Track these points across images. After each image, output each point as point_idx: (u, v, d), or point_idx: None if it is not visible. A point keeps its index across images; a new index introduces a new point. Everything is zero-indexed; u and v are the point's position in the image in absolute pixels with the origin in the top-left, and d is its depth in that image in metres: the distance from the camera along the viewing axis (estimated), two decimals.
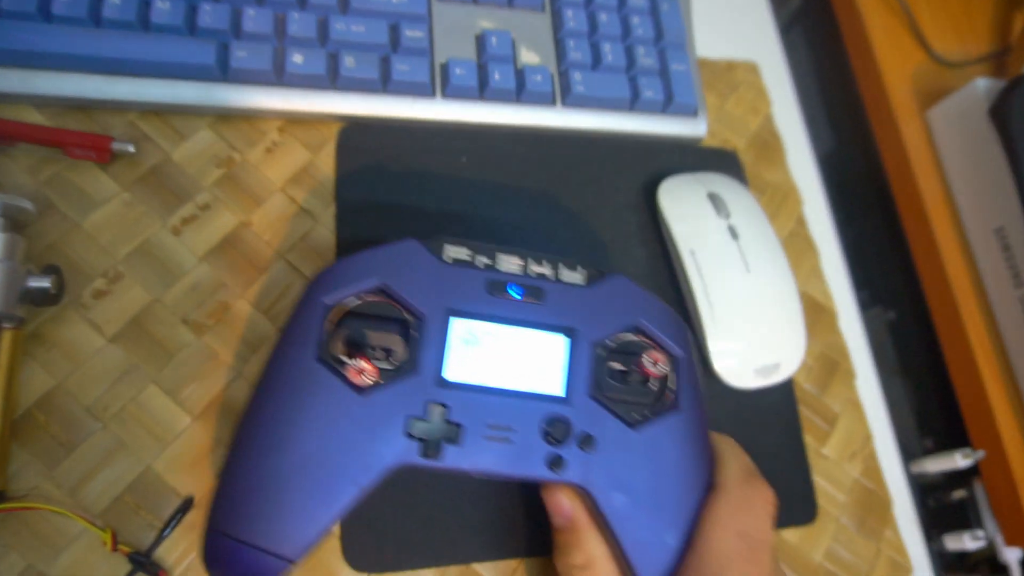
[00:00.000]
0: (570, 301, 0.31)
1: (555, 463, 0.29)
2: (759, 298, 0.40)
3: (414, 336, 0.29)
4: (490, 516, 0.35)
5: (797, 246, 0.47)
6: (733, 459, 0.31)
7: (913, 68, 0.57)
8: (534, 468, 0.29)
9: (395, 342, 0.30)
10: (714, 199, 0.42)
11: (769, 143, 0.50)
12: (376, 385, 0.28)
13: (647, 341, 0.32)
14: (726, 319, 0.39)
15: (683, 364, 0.32)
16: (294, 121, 0.40)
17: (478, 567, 0.35)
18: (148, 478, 0.32)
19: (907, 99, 0.55)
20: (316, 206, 0.39)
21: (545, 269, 0.31)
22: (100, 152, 0.36)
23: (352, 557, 0.33)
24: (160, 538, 0.31)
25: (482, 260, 0.31)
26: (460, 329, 0.30)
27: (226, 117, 0.39)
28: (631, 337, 0.32)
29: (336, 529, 0.33)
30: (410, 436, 0.28)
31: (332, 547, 0.33)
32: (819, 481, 0.41)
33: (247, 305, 0.36)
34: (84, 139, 0.36)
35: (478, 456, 0.28)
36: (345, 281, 0.29)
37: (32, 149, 0.36)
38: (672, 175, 0.44)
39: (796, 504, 0.40)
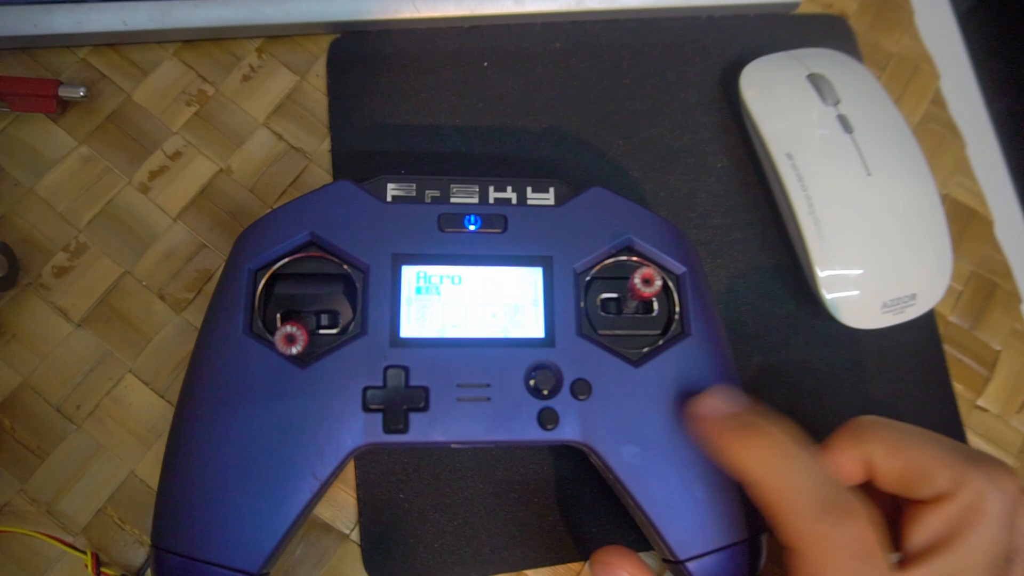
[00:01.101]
0: (540, 225, 0.26)
1: (548, 419, 0.24)
2: (884, 209, 0.30)
3: (359, 291, 0.25)
4: (541, 514, 0.28)
5: (933, 134, 0.36)
6: (987, 532, 0.21)
7: None
8: (522, 429, 0.24)
9: (338, 302, 0.25)
10: (817, 82, 0.32)
11: (889, 1, 0.38)
12: (320, 355, 0.24)
13: (641, 260, 0.26)
14: (840, 240, 0.30)
15: (687, 281, 0.26)
16: (274, 38, 0.33)
17: (531, 574, 0.28)
18: (132, 486, 0.27)
19: None
20: (308, 141, 0.32)
21: (507, 193, 0.26)
22: (46, 100, 0.30)
23: (375, 569, 0.27)
24: (148, 561, 0.27)
25: (431, 193, 0.26)
26: (412, 276, 0.25)
27: (193, 42, 0.32)
28: (621, 258, 0.26)
29: (355, 535, 0.28)
30: (369, 410, 0.23)
31: (353, 556, 0.27)
32: (975, 441, 0.32)
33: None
34: (25, 85, 0.30)
35: (451, 423, 0.23)
36: (270, 239, 0.24)
37: None
38: (759, 57, 0.34)
39: None
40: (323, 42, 0.33)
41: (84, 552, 0.26)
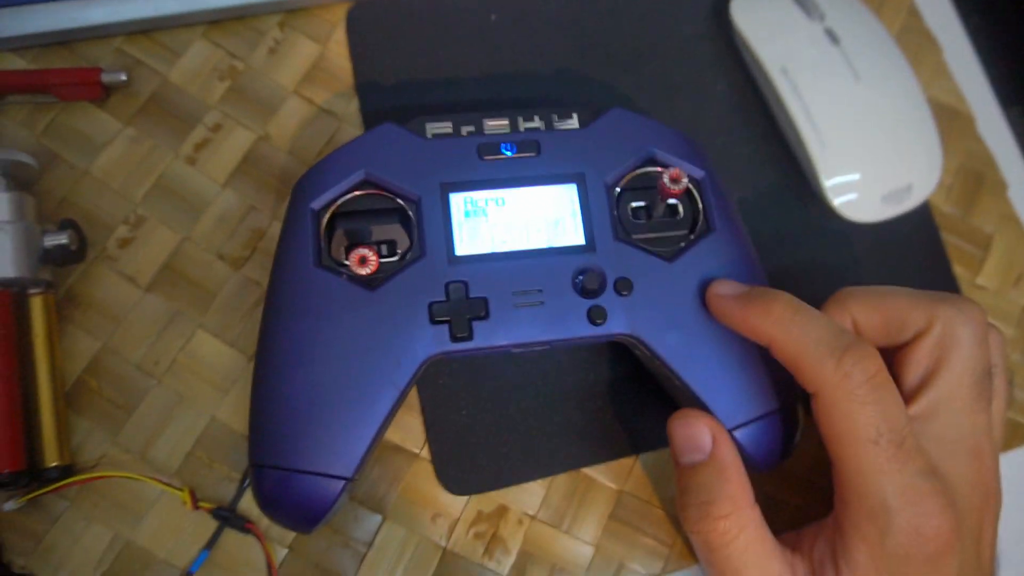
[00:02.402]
0: (570, 147, 0.28)
1: (597, 315, 0.26)
2: (876, 110, 0.33)
3: (413, 221, 0.27)
4: (594, 416, 0.31)
5: (912, 42, 0.38)
6: (965, 354, 0.24)
7: None
8: (575, 327, 0.26)
9: (395, 232, 0.27)
10: (802, 1, 0.34)
11: None
12: (386, 278, 0.26)
13: (664, 169, 0.28)
14: (838, 143, 0.32)
15: (707, 183, 0.29)
16: (294, 12, 0.35)
17: (588, 471, 0.31)
18: (215, 429, 0.30)
19: None
20: (337, 103, 0.34)
21: (536, 122, 0.28)
22: (91, 87, 0.32)
23: (448, 480, 0.30)
24: (241, 490, 0.29)
25: (467, 129, 0.28)
26: (460, 202, 0.27)
27: (219, 22, 0.34)
28: (647, 169, 0.29)
29: (425, 453, 0.30)
30: (436, 322, 0.25)
31: (426, 472, 0.30)
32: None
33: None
34: (70, 75, 0.32)
35: (512, 327, 0.26)
36: (327, 182, 0.27)
37: (21, 100, 0.32)
38: None
39: None
40: (339, 11, 0.35)
41: (182, 490, 0.28)
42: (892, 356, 0.26)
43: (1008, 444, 0.33)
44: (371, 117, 0.34)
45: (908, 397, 0.25)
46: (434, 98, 0.34)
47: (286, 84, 0.34)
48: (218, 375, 0.30)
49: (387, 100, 0.34)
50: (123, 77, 0.32)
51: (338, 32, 0.35)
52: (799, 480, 0.31)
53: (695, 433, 0.25)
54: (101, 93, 0.32)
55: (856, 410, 0.22)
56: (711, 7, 0.37)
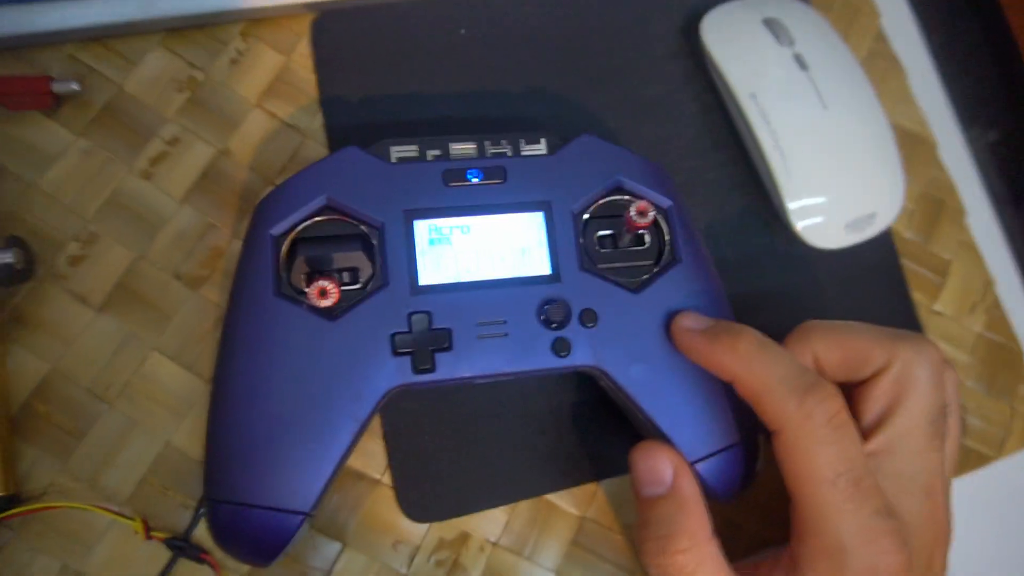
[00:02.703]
0: (537, 174, 0.28)
1: (561, 348, 0.26)
2: (842, 139, 0.33)
3: (376, 248, 0.26)
4: (558, 442, 0.31)
5: (878, 67, 0.39)
6: (922, 394, 0.25)
7: None
8: (539, 358, 0.26)
9: (358, 259, 0.27)
10: (772, 25, 0.34)
11: None
12: (348, 307, 0.26)
13: (631, 198, 0.28)
14: (804, 169, 0.33)
15: (674, 213, 0.29)
16: (257, 21, 0.34)
17: (551, 497, 0.30)
18: (170, 455, 0.29)
19: None
20: (301, 118, 0.33)
21: (503, 147, 0.28)
22: (41, 96, 0.31)
23: (409, 507, 0.29)
24: (196, 518, 0.28)
25: (432, 153, 0.28)
26: (424, 229, 0.27)
27: (178, 30, 0.33)
28: (613, 198, 0.28)
29: (387, 478, 0.30)
30: (398, 354, 0.25)
31: (387, 498, 0.30)
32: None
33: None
34: (18, 84, 0.31)
35: (476, 359, 0.26)
36: (288, 206, 0.26)
37: None
38: (715, 7, 0.36)
39: None
40: (304, 21, 0.34)
41: (133, 519, 0.28)
42: (851, 391, 0.26)
43: (959, 469, 0.34)
44: (336, 133, 0.33)
45: (866, 433, 0.25)
46: (401, 115, 0.33)
47: (248, 97, 0.33)
48: (174, 399, 0.29)
49: (353, 116, 0.33)
50: (75, 86, 0.31)
51: (303, 43, 0.34)
52: (758, 505, 0.31)
53: (656, 466, 0.25)
54: (52, 102, 0.31)
55: (816, 450, 0.23)
56: (682, 27, 0.37)
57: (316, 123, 0.33)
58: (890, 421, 0.25)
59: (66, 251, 0.30)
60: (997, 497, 0.34)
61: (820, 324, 0.27)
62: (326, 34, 0.34)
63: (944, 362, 0.26)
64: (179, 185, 0.32)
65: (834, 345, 0.26)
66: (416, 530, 0.29)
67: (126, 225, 0.31)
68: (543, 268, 0.27)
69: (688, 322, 0.26)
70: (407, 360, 0.25)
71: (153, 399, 0.29)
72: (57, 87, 0.31)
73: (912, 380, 0.25)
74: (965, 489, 0.33)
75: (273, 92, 0.33)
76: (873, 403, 0.25)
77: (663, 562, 0.24)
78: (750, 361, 0.24)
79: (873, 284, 0.35)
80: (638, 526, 0.25)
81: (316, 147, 0.33)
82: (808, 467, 0.23)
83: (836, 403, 0.23)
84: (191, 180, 0.32)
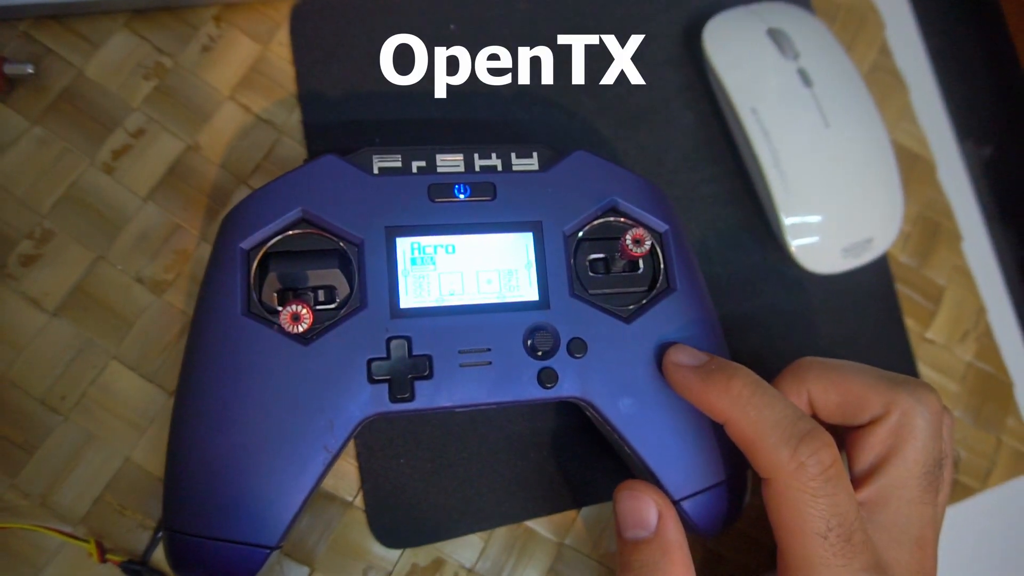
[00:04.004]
0: (528, 191, 0.26)
1: (547, 379, 0.25)
2: (843, 159, 0.32)
3: (354, 266, 0.25)
4: (538, 467, 0.29)
5: (882, 83, 0.38)
6: (919, 445, 0.24)
7: None
8: (524, 389, 0.24)
9: (334, 277, 0.25)
10: (777, 36, 0.33)
11: None
12: (322, 330, 0.24)
13: (626, 220, 0.27)
14: (803, 190, 0.31)
15: (670, 238, 0.27)
16: (232, 5, 0.32)
17: (530, 523, 0.29)
18: (129, 471, 0.27)
19: None
20: (277, 113, 0.31)
21: (493, 160, 0.26)
22: None
23: (382, 532, 0.28)
24: (155, 540, 0.27)
25: (417, 164, 0.26)
26: (407, 247, 0.25)
27: (145, 12, 0.31)
28: (607, 219, 0.27)
29: (359, 501, 0.28)
30: (374, 381, 0.24)
31: (359, 522, 0.28)
32: (925, 371, 0.34)
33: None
34: None
35: (456, 388, 0.24)
36: (260, 218, 0.24)
37: None
38: (719, 13, 0.34)
39: None
40: (283, 8, 0.32)
41: (87, 541, 0.26)
42: (844, 435, 0.25)
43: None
44: (314, 130, 0.31)
45: (858, 480, 0.24)
46: (384, 114, 0.31)
47: (220, 87, 0.31)
48: (134, 412, 0.28)
49: (333, 113, 0.31)
50: (30, 69, 0.28)
51: (281, 32, 0.32)
52: (742, 536, 0.31)
53: (641, 507, 0.24)
54: (3, 86, 0.29)
55: (808, 502, 0.22)
56: (682, 32, 0.35)
57: (293, 119, 0.31)
58: (884, 471, 0.24)
59: (18, 249, 0.28)
60: (979, 529, 0.33)
61: (817, 363, 0.26)
62: (306, 23, 0.32)
63: (943, 410, 0.25)
64: (143, 181, 0.29)
65: (831, 387, 0.25)
66: (388, 556, 0.28)
67: (84, 222, 0.29)
68: (531, 293, 0.25)
69: (681, 357, 0.25)
70: (384, 388, 0.24)
71: (111, 412, 0.27)
72: (9, 69, 0.28)
73: (910, 430, 0.24)
74: (948, 521, 0.32)
75: (247, 83, 0.31)
76: (868, 451, 0.24)
77: None
78: (744, 405, 0.23)
79: (867, 309, 0.34)
80: (620, 568, 0.24)
81: (293, 145, 0.31)
82: (799, 519, 0.22)
83: (830, 454, 0.22)
84: (157, 176, 0.30)
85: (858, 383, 0.25)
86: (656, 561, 0.23)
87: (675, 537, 0.24)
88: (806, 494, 0.22)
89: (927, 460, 0.24)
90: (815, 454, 0.22)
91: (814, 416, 0.26)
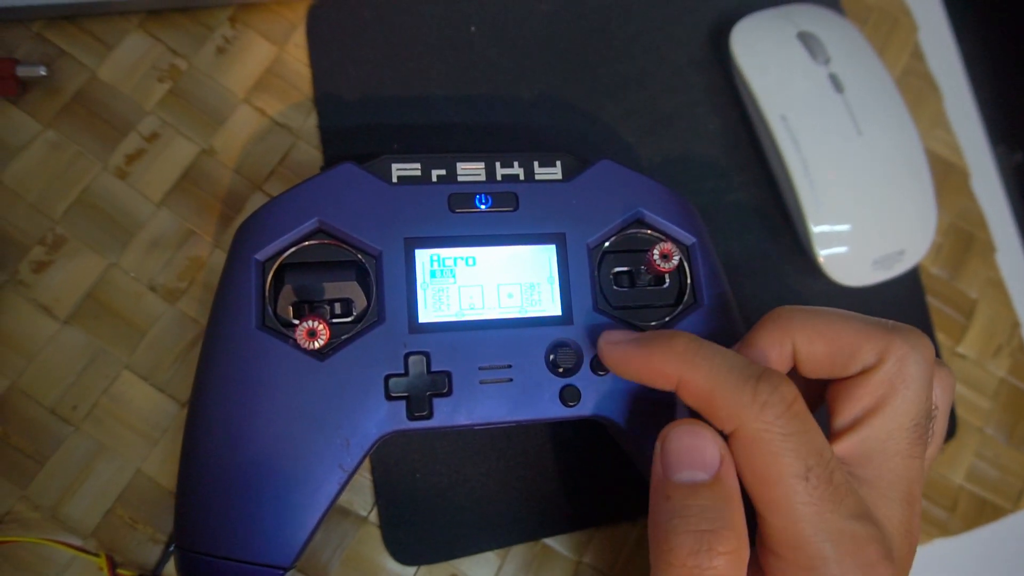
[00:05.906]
0: (551, 202, 0.25)
1: (570, 397, 0.24)
2: (875, 168, 0.31)
3: (372, 279, 0.24)
4: (557, 483, 0.29)
5: (914, 88, 0.36)
6: (912, 394, 0.22)
7: None
8: (546, 407, 0.24)
9: (351, 290, 0.24)
10: (807, 40, 0.32)
11: None
12: (338, 345, 0.23)
13: (652, 233, 0.26)
14: (833, 200, 0.30)
15: (697, 251, 0.26)
16: (247, 6, 0.31)
17: (546, 540, 0.29)
18: (140, 484, 0.27)
19: None
20: (293, 117, 0.30)
21: (515, 169, 0.26)
22: (4, 81, 0.28)
23: (396, 548, 0.27)
24: (166, 555, 0.26)
25: (437, 173, 0.25)
26: (426, 259, 0.24)
27: (159, 12, 0.30)
28: (633, 231, 0.26)
29: (373, 516, 0.28)
30: (391, 398, 0.23)
31: (373, 538, 0.28)
32: (956, 388, 0.33)
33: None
34: None
35: (476, 406, 0.23)
36: (276, 229, 0.24)
37: None
38: (748, 15, 0.33)
39: None
40: (300, 8, 0.31)
41: (97, 555, 0.25)
42: (827, 388, 0.23)
43: (970, 523, 0.32)
44: (331, 135, 0.30)
45: (836, 434, 0.22)
46: (402, 118, 0.31)
47: (236, 90, 0.30)
48: (146, 423, 0.27)
49: (350, 117, 0.30)
50: (43, 71, 0.28)
51: (297, 33, 0.31)
52: None
53: (702, 446, 0.21)
54: (16, 88, 0.28)
55: (780, 442, 0.20)
56: (709, 33, 0.34)
57: (310, 123, 0.30)
58: (868, 423, 0.22)
59: (30, 255, 0.27)
60: (1012, 551, 0.32)
61: (799, 311, 0.23)
62: (323, 23, 0.31)
63: (938, 361, 0.23)
64: (157, 186, 0.29)
65: (817, 337, 0.22)
66: (403, 572, 0.28)
67: (97, 228, 0.28)
68: (553, 308, 0.25)
69: (615, 336, 0.23)
70: (402, 405, 0.23)
71: (123, 422, 0.27)
72: (22, 71, 0.28)
73: (903, 379, 0.21)
74: (977, 543, 0.31)
75: (263, 86, 0.30)
76: (855, 403, 0.22)
77: (701, 563, 0.19)
78: (693, 357, 0.21)
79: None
80: (665, 516, 0.20)
81: (308, 150, 0.30)
82: (775, 464, 0.20)
83: (791, 389, 0.20)
84: (170, 181, 0.29)
85: (849, 330, 0.22)
86: (720, 508, 0.20)
87: (737, 484, 0.21)
88: (776, 434, 0.20)
89: (918, 412, 0.22)
90: (776, 390, 0.20)
91: (796, 371, 0.23)
